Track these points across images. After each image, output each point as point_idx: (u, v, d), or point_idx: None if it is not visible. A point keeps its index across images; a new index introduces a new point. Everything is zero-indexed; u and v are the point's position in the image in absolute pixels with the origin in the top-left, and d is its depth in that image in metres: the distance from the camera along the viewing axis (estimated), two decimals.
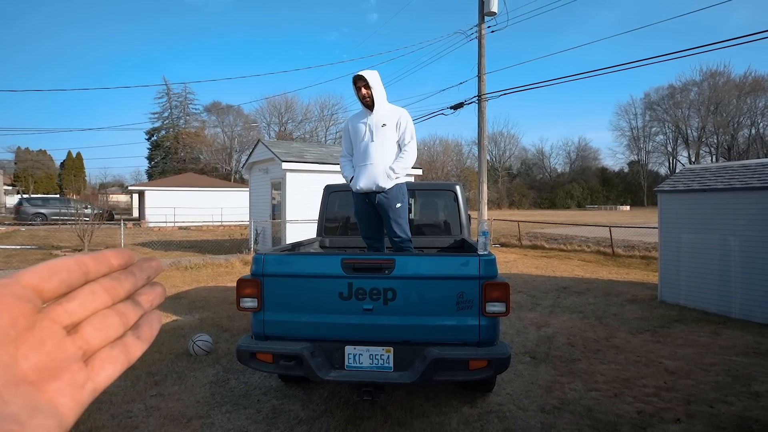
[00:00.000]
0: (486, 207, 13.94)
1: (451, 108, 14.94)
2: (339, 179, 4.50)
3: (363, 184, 3.53)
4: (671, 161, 63.64)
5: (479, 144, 14.47)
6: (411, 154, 3.55)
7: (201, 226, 24.62)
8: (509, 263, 11.04)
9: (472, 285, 2.82)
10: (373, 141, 3.50)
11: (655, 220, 7.10)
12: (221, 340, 4.94)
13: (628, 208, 54.29)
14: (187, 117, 59.14)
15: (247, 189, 15.52)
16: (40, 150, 56.94)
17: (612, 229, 13.20)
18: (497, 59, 32.77)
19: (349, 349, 2.89)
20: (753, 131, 56.59)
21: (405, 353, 2.85)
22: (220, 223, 25.93)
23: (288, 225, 11.39)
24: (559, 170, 70.24)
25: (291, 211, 11.50)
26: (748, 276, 5.80)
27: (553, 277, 9.00)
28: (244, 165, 15.08)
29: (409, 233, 3.67)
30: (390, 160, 3.51)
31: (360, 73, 3.43)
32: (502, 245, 15.09)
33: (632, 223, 17.05)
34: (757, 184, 5.78)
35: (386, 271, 2.89)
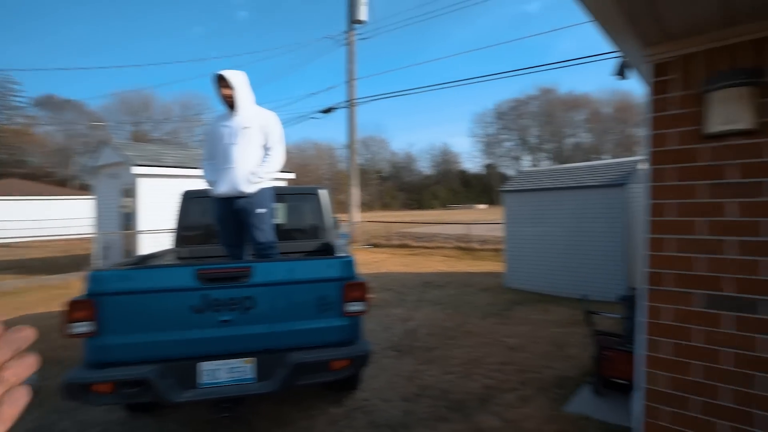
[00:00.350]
0: (357, 209, 14.34)
1: (321, 112, 15.05)
2: (203, 184, 4.19)
3: (224, 188, 3.37)
4: (517, 165, 73.48)
5: (350, 148, 14.82)
6: (277, 158, 3.49)
7: (28, 241, 20.61)
8: (379, 263, 11.52)
9: (332, 287, 2.88)
10: (234, 144, 3.36)
11: None
12: (52, 375, 4.19)
13: (485, 206, 60.95)
14: (9, 111, 48.89)
15: (92, 197, 13.48)
16: None
17: (471, 226, 14.69)
18: (369, 65, 34.00)
19: (204, 365, 2.71)
20: (575, 140, 68.51)
21: (268, 362, 2.77)
22: (54, 237, 22.02)
23: (142, 236, 10.21)
24: (425, 173, 75.81)
25: (145, 221, 10.33)
26: (567, 260, 7.00)
27: (418, 274, 9.66)
28: (88, 169, 13.06)
29: (273, 238, 3.59)
30: (253, 163, 3.40)
31: (220, 72, 3.27)
32: (374, 246, 15.66)
33: (487, 220, 19.20)
34: (573, 184, 7.01)
35: (243, 279, 2.79)
